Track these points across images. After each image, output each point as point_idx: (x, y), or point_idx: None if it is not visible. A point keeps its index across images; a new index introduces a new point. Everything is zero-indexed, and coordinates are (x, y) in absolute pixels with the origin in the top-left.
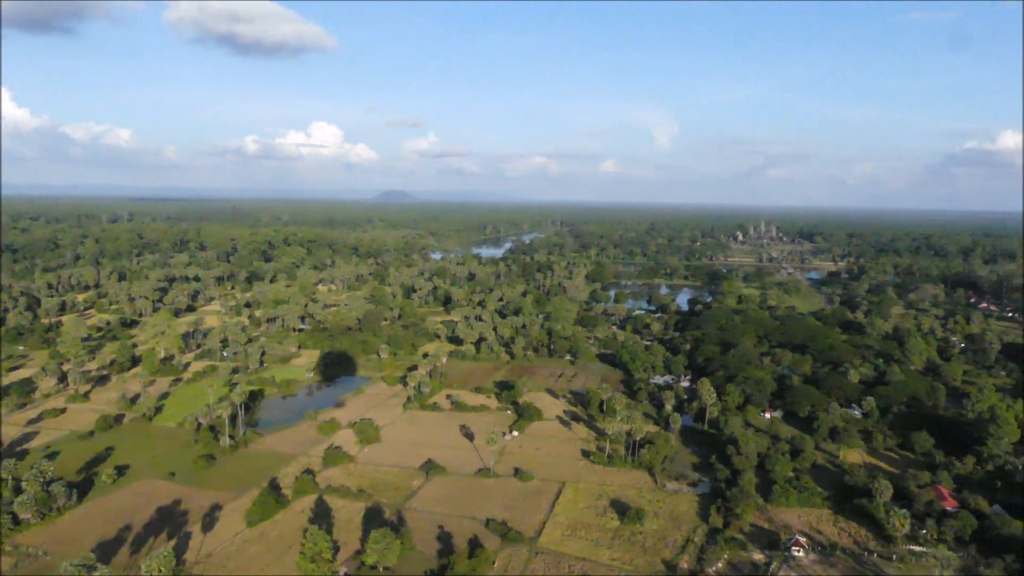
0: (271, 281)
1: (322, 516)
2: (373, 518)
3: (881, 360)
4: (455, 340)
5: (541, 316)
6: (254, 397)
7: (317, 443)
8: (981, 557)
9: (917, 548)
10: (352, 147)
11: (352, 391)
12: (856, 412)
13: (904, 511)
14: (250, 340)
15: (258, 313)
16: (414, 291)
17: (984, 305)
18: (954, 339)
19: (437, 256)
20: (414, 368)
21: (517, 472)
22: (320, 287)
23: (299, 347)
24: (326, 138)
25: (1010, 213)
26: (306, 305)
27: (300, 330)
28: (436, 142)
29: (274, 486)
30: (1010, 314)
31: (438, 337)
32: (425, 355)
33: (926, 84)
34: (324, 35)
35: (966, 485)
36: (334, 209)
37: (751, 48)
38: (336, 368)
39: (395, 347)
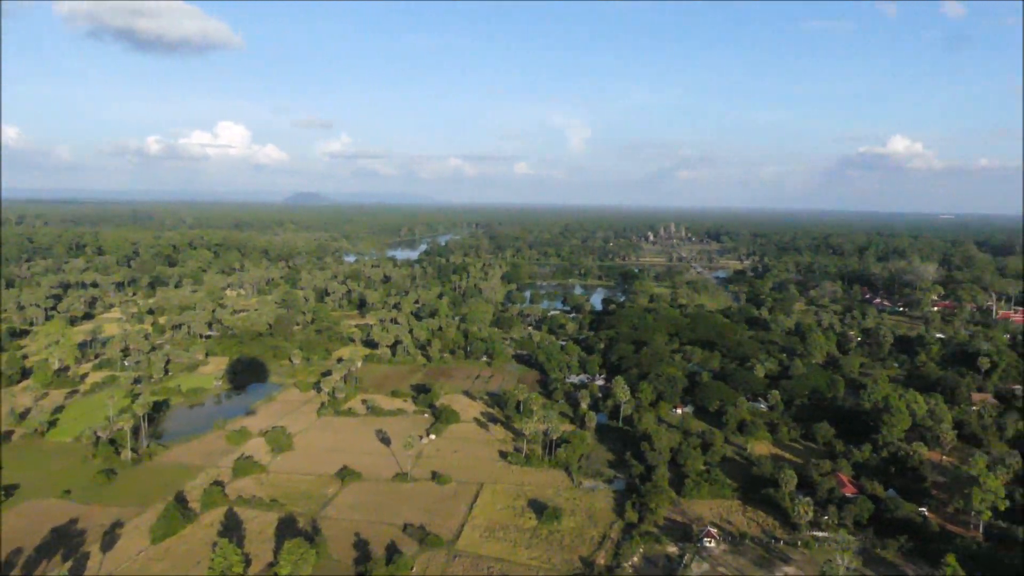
0: (176, 286)
1: (232, 529)
2: (286, 528)
3: (785, 355)
4: (370, 344)
5: (457, 318)
6: (158, 408)
7: (227, 453)
8: (878, 539)
9: (820, 533)
10: (261, 148)
11: (263, 398)
12: (762, 405)
13: (808, 499)
14: (153, 348)
15: (162, 320)
16: (327, 295)
17: (878, 301)
18: (851, 333)
19: (351, 259)
20: (328, 373)
21: (435, 475)
22: (228, 292)
23: (207, 354)
24: (233, 138)
25: (900, 213)
26: (214, 311)
27: (207, 337)
28: (349, 143)
29: (181, 500)
30: (901, 309)
31: (353, 341)
32: (339, 360)
33: (825, 90)
34: (229, 33)
35: (863, 472)
36: (243, 211)
37: (662, 52)
38: (246, 375)
39: (308, 352)
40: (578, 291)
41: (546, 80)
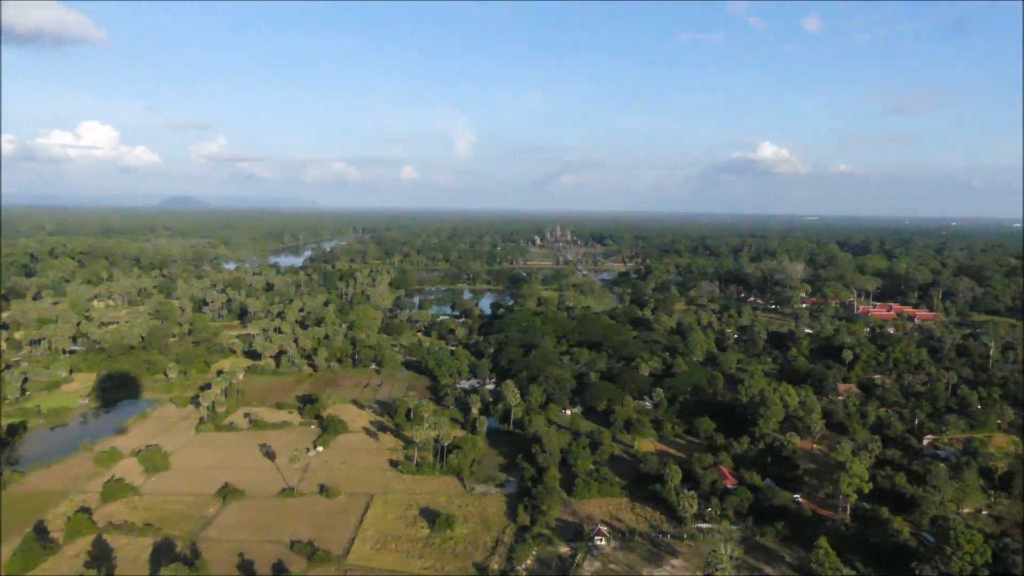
0: (34, 298)
1: (102, 558)
2: (163, 554)
3: (668, 353)
4: (253, 355)
5: (345, 326)
6: (14, 431)
7: (95, 477)
8: (757, 527)
9: (704, 525)
10: (130, 149)
11: (136, 416)
12: (648, 403)
13: (692, 492)
14: (8, 366)
15: (18, 335)
16: (206, 304)
17: (752, 299)
18: (729, 331)
19: (231, 266)
20: (207, 387)
21: (323, 489)
22: (95, 303)
23: (71, 371)
24: (98, 139)
25: (770, 215)
26: (78, 324)
27: (72, 352)
28: (227, 146)
29: (41, 530)
30: (773, 306)
31: (233, 352)
32: (219, 372)
33: (700, 98)
34: (90, 26)
35: (743, 463)
36: (111, 217)
37: (544, 58)
38: (117, 392)
39: (185, 365)
40: (467, 296)
41: (431, 83)
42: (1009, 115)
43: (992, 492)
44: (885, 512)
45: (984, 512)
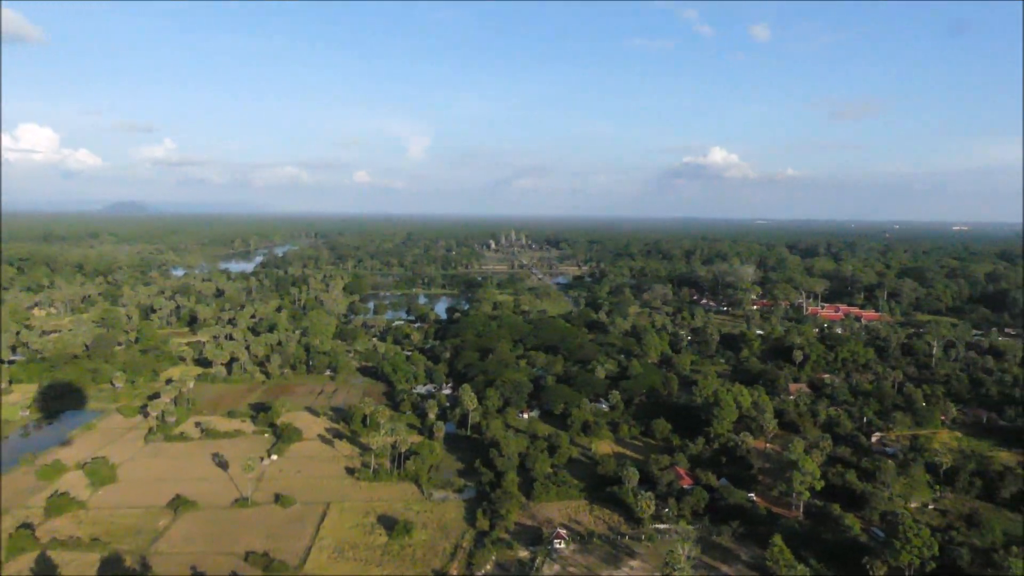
0: None
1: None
2: (110, 569)
3: (623, 356)
4: (203, 362)
5: (298, 332)
6: None
7: (37, 491)
8: (713, 526)
9: (662, 526)
10: (72, 153)
11: (81, 427)
12: (604, 405)
13: (649, 494)
14: None
15: None
16: (154, 311)
17: (704, 301)
18: (682, 333)
19: (179, 272)
20: (156, 396)
21: (278, 498)
22: (36, 311)
23: (10, 382)
24: (38, 142)
25: (721, 219)
26: (18, 333)
27: (11, 362)
28: (174, 149)
29: None
30: (725, 308)
31: (183, 360)
32: (169, 381)
33: (651, 103)
34: (25, 23)
35: (698, 463)
36: (53, 222)
37: (497, 62)
38: (60, 402)
39: (133, 374)
40: (423, 300)
41: (384, 87)
42: (946, 120)
43: (938, 487)
44: (837, 509)
45: (930, 506)
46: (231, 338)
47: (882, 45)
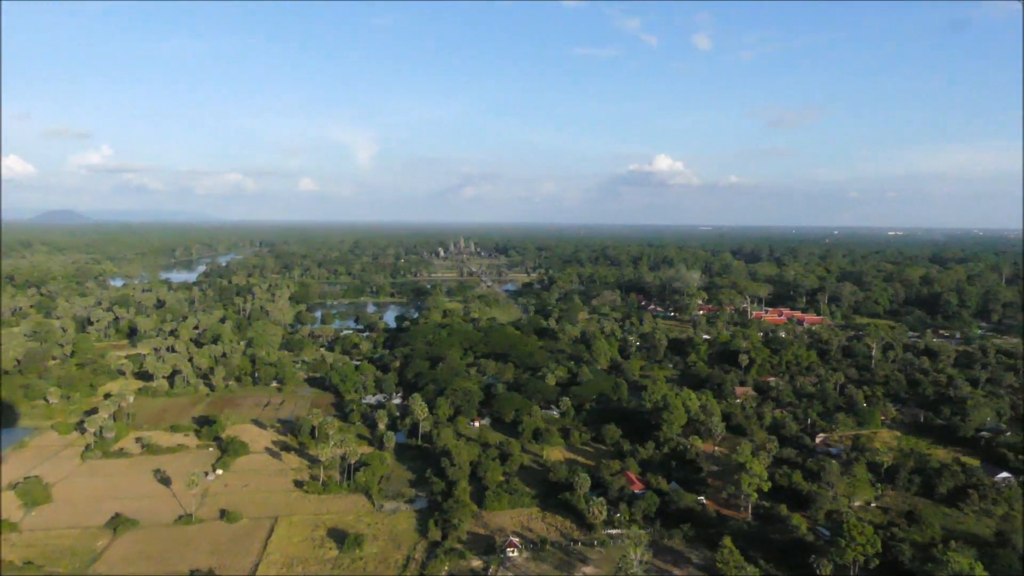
0: None
1: None
2: None
3: (573, 362)
4: (144, 376)
5: (243, 343)
6: None
7: None
8: (664, 530)
9: (614, 531)
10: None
11: (13, 445)
12: (555, 412)
13: (601, 499)
14: None
15: None
16: (90, 324)
17: (652, 307)
18: (631, 338)
19: (118, 283)
20: (93, 411)
21: (223, 514)
22: None
23: None
24: None
25: (667, 226)
26: None
27: None
28: (111, 156)
29: None
30: (672, 313)
31: (122, 374)
32: (107, 395)
33: (597, 111)
34: None
35: (649, 468)
36: None
37: (445, 70)
38: None
39: (68, 389)
40: (371, 309)
41: (328, 93)
42: (876, 129)
43: (879, 485)
44: (784, 509)
45: (873, 504)
46: (173, 350)
47: (817, 55)
